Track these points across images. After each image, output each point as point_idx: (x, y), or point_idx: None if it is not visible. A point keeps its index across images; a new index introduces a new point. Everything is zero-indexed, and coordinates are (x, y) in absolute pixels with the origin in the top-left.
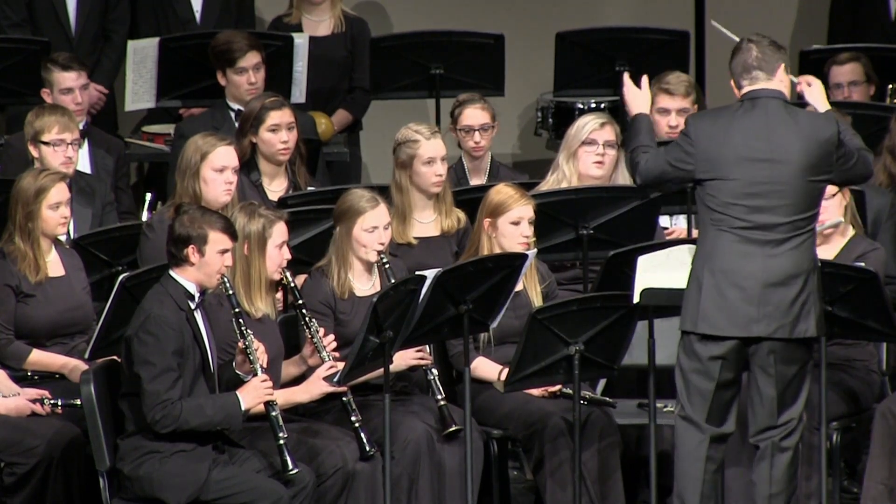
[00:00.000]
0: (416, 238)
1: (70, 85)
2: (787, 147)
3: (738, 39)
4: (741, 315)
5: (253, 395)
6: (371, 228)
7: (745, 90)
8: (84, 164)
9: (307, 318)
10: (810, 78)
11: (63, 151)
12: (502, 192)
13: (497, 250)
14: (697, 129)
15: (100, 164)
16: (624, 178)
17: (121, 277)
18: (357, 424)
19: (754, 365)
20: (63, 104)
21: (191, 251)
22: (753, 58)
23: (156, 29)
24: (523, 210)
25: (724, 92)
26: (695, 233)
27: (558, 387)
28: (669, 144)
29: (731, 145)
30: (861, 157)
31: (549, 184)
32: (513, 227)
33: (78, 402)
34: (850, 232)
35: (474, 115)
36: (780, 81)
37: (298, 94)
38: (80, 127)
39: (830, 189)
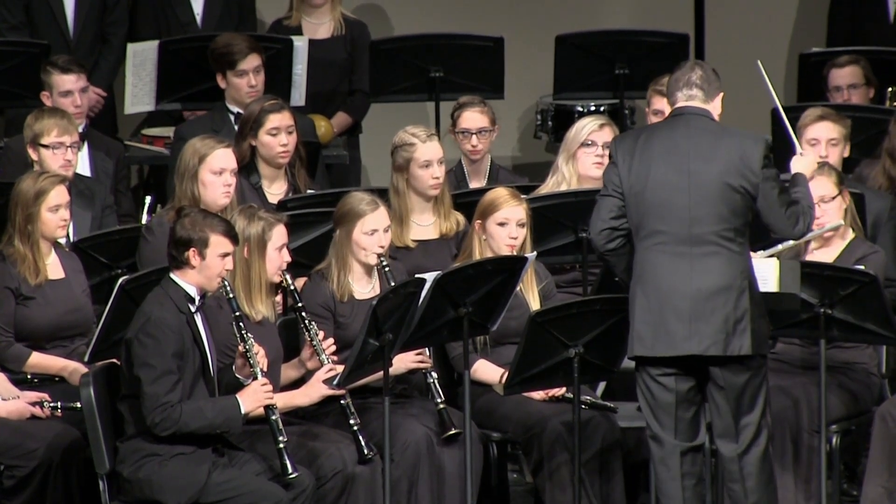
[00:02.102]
0: (414, 241)
1: (69, 87)
2: (707, 157)
3: (773, 93)
4: (672, 333)
5: (253, 398)
6: (371, 231)
7: (677, 105)
8: (83, 166)
9: (307, 321)
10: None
11: (62, 154)
12: (493, 192)
13: (487, 252)
14: (618, 147)
15: (99, 167)
16: None
17: (120, 280)
18: (356, 428)
19: (709, 376)
20: (62, 107)
21: (192, 254)
22: (698, 76)
23: (156, 31)
24: (511, 211)
25: (724, 95)
26: None
27: (561, 391)
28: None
29: (653, 158)
30: (798, 206)
31: (548, 186)
32: (500, 228)
33: (78, 404)
34: (850, 235)
35: (473, 118)
36: (716, 108)
37: (298, 96)
38: (80, 130)
39: (830, 192)
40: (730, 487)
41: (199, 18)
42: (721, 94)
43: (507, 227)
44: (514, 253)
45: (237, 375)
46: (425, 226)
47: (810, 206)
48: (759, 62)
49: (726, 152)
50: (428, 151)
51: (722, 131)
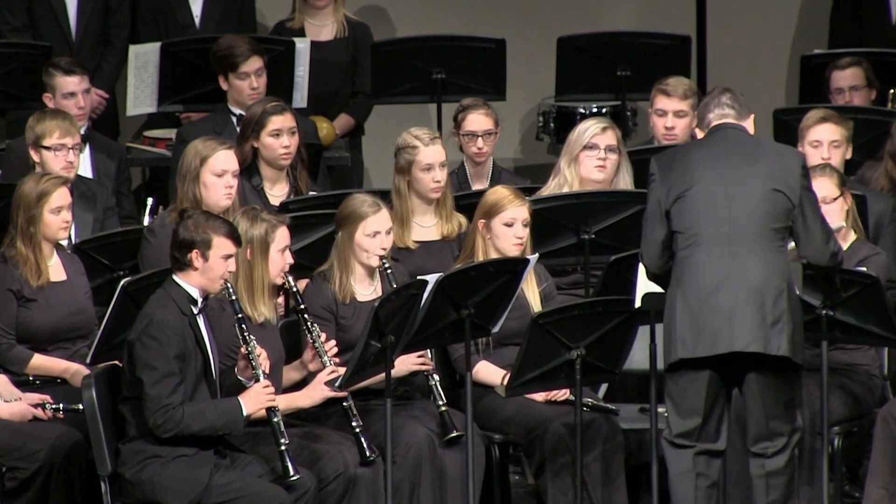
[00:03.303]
0: (416, 242)
1: (73, 89)
2: (749, 161)
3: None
4: (714, 332)
5: (255, 400)
6: (373, 233)
7: (713, 123)
8: (85, 168)
9: (309, 323)
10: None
11: (64, 156)
12: (496, 193)
13: (492, 252)
14: (657, 164)
15: (101, 169)
16: (625, 183)
17: (122, 282)
18: (358, 430)
19: (745, 380)
20: (65, 108)
21: (195, 256)
22: (728, 97)
23: (156, 34)
24: (517, 211)
25: None
26: None
27: (564, 395)
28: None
29: (691, 168)
30: (833, 233)
31: (550, 188)
32: (506, 229)
33: (79, 406)
34: (852, 237)
35: (478, 120)
36: (749, 127)
37: (300, 98)
38: (82, 132)
39: (831, 193)
40: (753, 483)
41: (197, 20)
42: (752, 116)
43: (513, 227)
44: (521, 252)
45: (239, 377)
46: (427, 227)
47: (841, 249)
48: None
49: (766, 160)
50: (430, 155)
51: (761, 142)
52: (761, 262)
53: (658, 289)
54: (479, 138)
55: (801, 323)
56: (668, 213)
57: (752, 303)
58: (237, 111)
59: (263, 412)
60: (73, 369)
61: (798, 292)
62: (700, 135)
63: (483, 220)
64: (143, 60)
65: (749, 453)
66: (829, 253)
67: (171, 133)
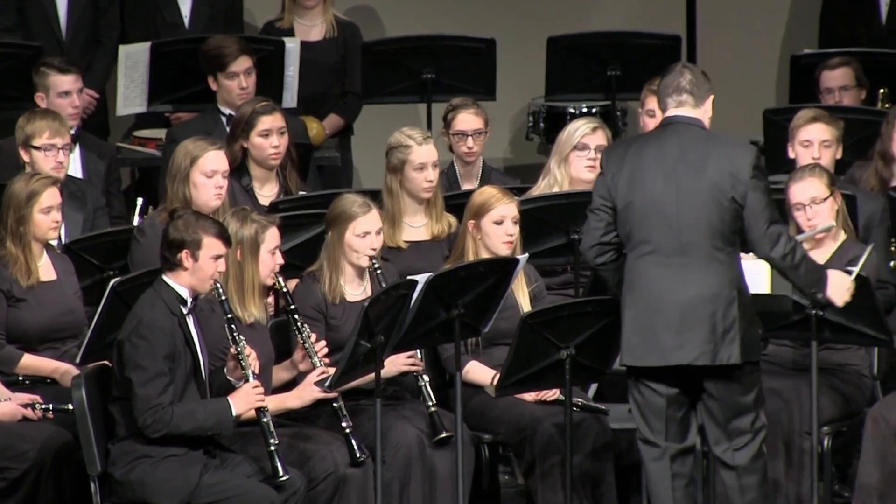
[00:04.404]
0: (406, 242)
1: (68, 88)
2: (698, 168)
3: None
4: (662, 343)
5: (244, 401)
6: (363, 234)
7: (668, 112)
8: (75, 168)
9: (299, 324)
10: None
11: (54, 156)
12: (485, 192)
13: (482, 252)
14: (608, 157)
15: (91, 169)
16: None
17: (112, 282)
18: (348, 430)
19: (700, 384)
20: (59, 108)
21: (184, 256)
22: (687, 81)
23: (145, 34)
24: (506, 209)
25: (716, 97)
26: None
27: (554, 395)
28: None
29: (642, 168)
30: (787, 233)
31: (540, 188)
32: (496, 227)
33: (69, 406)
34: (842, 236)
35: (468, 120)
36: (706, 112)
37: (290, 98)
38: (72, 132)
39: (822, 193)
40: (727, 485)
41: (186, 20)
42: (711, 97)
43: (503, 226)
44: (512, 250)
45: (229, 377)
46: (417, 227)
47: (805, 256)
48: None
49: (716, 162)
50: (423, 154)
51: (712, 140)
52: (711, 271)
53: None
54: (469, 138)
55: (755, 323)
56: (614, 212)
57: (702, 314)
58: (227, 111)
59: (253, 412)
60: (63, 369)
61: (788, 293)
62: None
63: (473, 221)
64: (133, 60)
65: (717, 461)
66: (780, 255)
67: (160, 133)
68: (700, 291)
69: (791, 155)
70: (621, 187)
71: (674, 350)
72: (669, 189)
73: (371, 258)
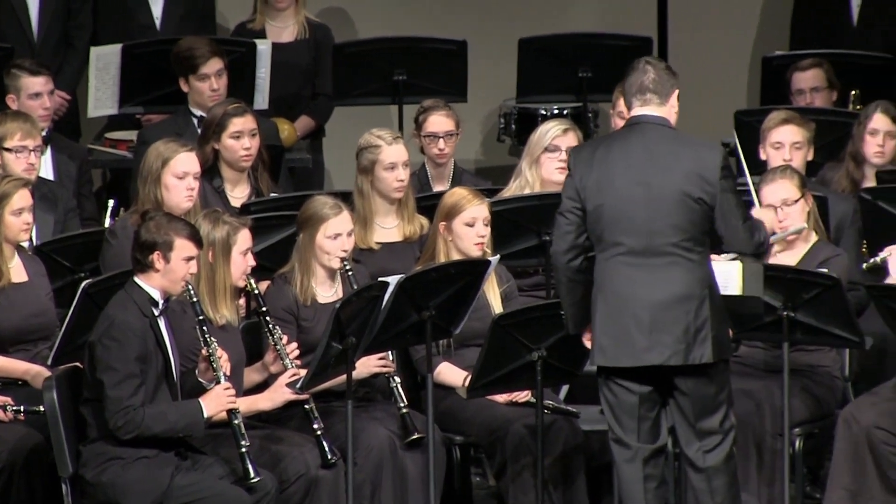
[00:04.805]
0: (378, 243)
1: (38, 90)
2: (666, 168)
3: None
4: (634, 344)
5: (216, 402)
6: (334, 235)
7: (633, 112)
8: (47, 170)
9: (270, 325)
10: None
11: (25, 158)
12: (456, 193)
13: (453, 253)
14: (575, 159)
15: (62, 171)
16: None
17: (83, 284)
18: (319, 432)
19: (671, 383)
20: (30, 109)
21: (156, 257)
22: (651, 80)
23: (116, 35)
24: (477, 210)
25: (685, 99)
26: None
27: (525, 396)
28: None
29: (611, 170)
30: (754, 222)
31: (511, 190)
32: (467, 228)
33: (41, 408)
34: (813, 238)
35: (439, 121)
36: (672, 107)
37: (261, 100)
38: (43, 133)
39: (793, 195)
40: (695, 488)
41: (158, 22)
42: (677, 91)
43: (474, 227)
44: (483, 251)
45: (200, 379)
46: (389, 228)
47: (768, 236)
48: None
49: (684, 163)
50: (393, 154)
51: (679, 140)
52: (682, 271)
53: None
54: (441, 140)
55: (725, 322)
56: (583, 214)
57: (673, 314)
58: (198, 113)
59: (224, 414)
60: (35, 371)
61: (760, 294)
62: (624, 110)
63: (444, 222)
64: (105, 62)
65: (686, 462)
66: (755, 245)
67: (132, 135)
68: (671, 292)
69: (762, 156)
70: (590, 189)
71: (646, 350)
72: (639, 190)
73: (342, 260)
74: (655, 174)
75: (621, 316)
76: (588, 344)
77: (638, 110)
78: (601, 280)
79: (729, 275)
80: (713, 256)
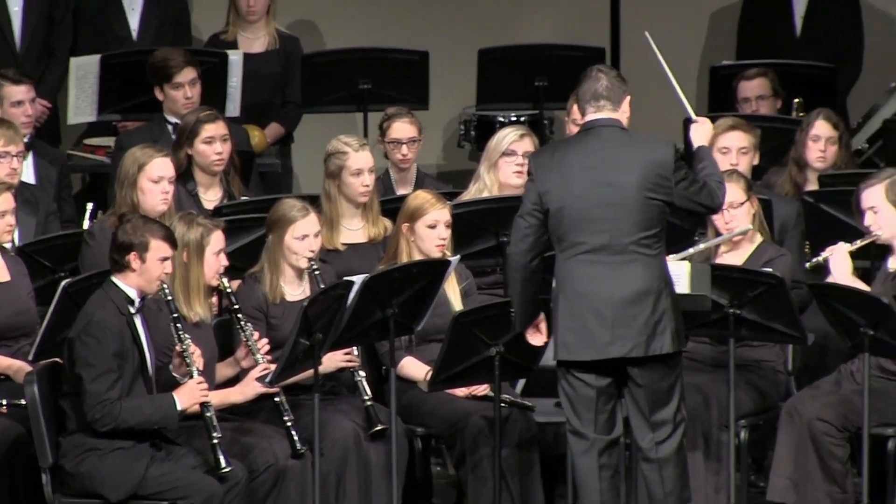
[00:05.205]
0: (344, 244)
1: (21, 98)
2: (624, 169)
3: (661, 59)
4: (596, 338)
5: (189, 396)
6: (302, 236)
7: (588, 117)
8: (28, 175)
9: (242, 322)
10: (702, 119)
11: (8, 163)
12: (419, 197)
13: (415, 254)
14: (536, 163)
15: (43, 176)
16: None
17: (63, 283)
18: (289, 423)
19: (628, 375)
20: (13, 117)
21: (132, 258)
22: (603, 87)
23: (95, 46)
24: (439, 214)
25: (638, 107)
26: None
27: (484, 390)
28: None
29: (571, 173)
30: (708, 187)
31: (471, 193)
32: (430, 231)
33: (22, 401)
34: (759, 239)
35: (402, 128)
36: (624, 113)
37: (233, 108)
38: (25, 140)
39: (739, 198)
40: (646, 477)
41: (135, 34)
42: (628, 98)
43: (436, 229)
44: (444, 252)
45: (174, 374)
46: (355, 230)
47: (720, 182)
48: (646, 34)
49: (640, 161)
50: (359, 160)
51: (633, 140)
52: (640, 267)
53: None
54: (404, 145)
55: (680, 315)
56: (545, 215)
57: (634, 308)
58: (173, 120)
59: (197, 407)
60: (16, 366)
61: (707, 292)
62: (578, 117)
63: (407, 224)
64: (84, 72)
65: (639, 452)
66: (718, 204)
67: (110, 141)
68: (632, 287)
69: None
70: (552, 192)
71: (608, 344)
72: (599, 191)
73: (309, 260)
74: (614, 174)
75: (584, 312)
76: (533, 341)
77: (592, 115)
78: (562, 279)
79: (678, 274)
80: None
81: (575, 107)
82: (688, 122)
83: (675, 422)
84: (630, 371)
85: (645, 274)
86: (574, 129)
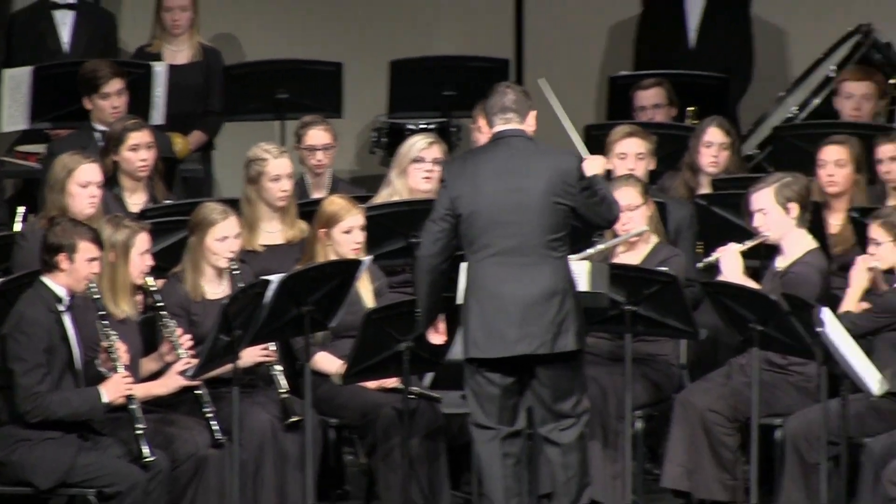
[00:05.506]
0: (262, 246)
1: None
2: (530, 174)
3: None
4: (505, 336)
5: (114, 389)
6: (222, 238)
7: (496, 129)
8: None
9: (165, 319)
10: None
11: None
12: (334, 203)
13: (332, 257)
14: (448, 171)
15: None
16: None
17: None
18: (209, 415)
19: (533, 371)
20: None
21: (62, 258)
22: (511, 101)
23: (28, 58)
24: (354, 220)
25: (541, 113)
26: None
27: (394, 383)
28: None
29: (482, 179)
30: (607, 201)
31: (382, 197)
32: (345, 236)
33: None
34: (654, 240)
35: (317, 135)
36: (529, 126)
37: (157, 116)
38: None
39: (636, 201)
40: (551, 461)
41: (66, 46)
42: (533, 112)
43: (352, 234)
44: (359, 253)
45: (101, 368)
46: (273, 232)
47: (615, 202)
48: (541, 80)
49: (548, 169)
50: (278, 166)
51: (540, 150)
52: (547, 269)
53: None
54: (319, 152)
55: (582, 315)
56: (457, 221)
57: (541, 308)
58: (100, 128)
59: (123, 399)
60: None
61: (605, 290)
62: (486, 129)
63: (324, 230)
64: (17, 82)
65: (543, 441)
66: (613, 218)
67: (41, 148)
68: (539, 288)
69: (608, 166)
70: (464, 198)
71: (516, 342)
72: (510, 196)
73: (229, 260)
74: (523, 180)
75: (494, 311)
76: (432, 340)
77: (500, 127)
78: (473, 280)
79: (578, 273)
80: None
81: (481, 115)
82: (580, 159)
83: (578, 413)
84: (536, 367)
85: (551, 276)
86: (479, 136)
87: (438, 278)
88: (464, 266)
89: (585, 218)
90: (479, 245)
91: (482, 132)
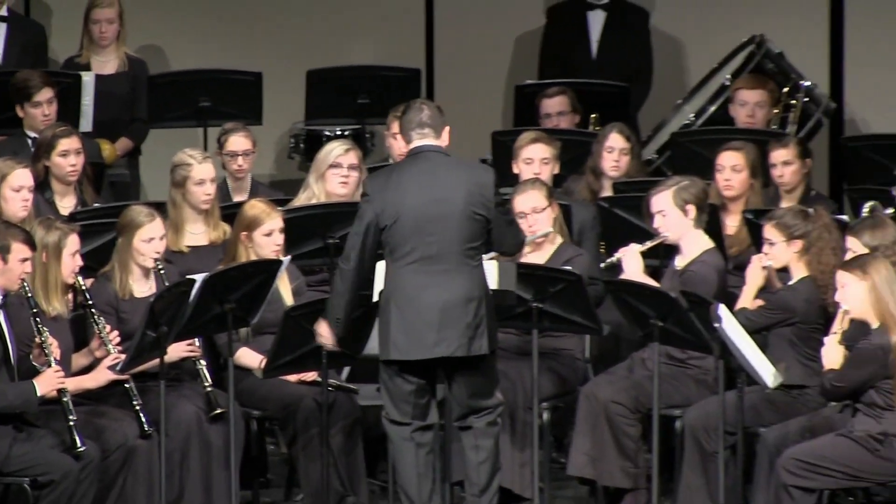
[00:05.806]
0: (187, 247)
1: None
2: (450, 186)
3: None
4: (424, 340)
5: (47, 382)
6: (148, 239)
7: (413, 143)
8: None
9: (95, 317)
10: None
11: None
12: (255, 207)
13: (253, 257)
14: (372, 185)
15: None
16: None
17: None
18: (138, 407)
19: (449, 372)
20: None
21: None
22: (427, 116)
23: None
24: (274, 223)
25: (450, 120)
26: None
27: (313, 376)
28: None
29: (405, 192)
30: (516, 227)
31: (300, 200)
32: (266, 238)
33: None
34: (559, 240)
35: (238, 141)
36: (444, 141)
37: (86, 123)
38: None
39: (541, 203)
40: (464, 445)
41: None
42: (447, 128)
43: (272, 237)
44: (278, 255)
45: (34, 363)
46: (197, 234)
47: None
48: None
49: (467, 181)
50: (202, 171)
51: (458, 164)
52: (464, 276)
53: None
54: (240, 157)
55: (495, 319)
56: (380, 231)
57: (457, 313)
58: (32, 135)
59: (55, 392)
60: None
61: (513, 288)
62: (403, 145)
63: (245, 233)
64: None
65: (458, 427)
66: (518, 244)
67: None
68: (456, 294)
69: (515, 170)
70: (388, 209)
71: (435, 345)
72: (430, 207)
73: (155, 260)
74: (443, 191)
75: (414, 316)
76: (323, 342)
77: (418, 142)
78: (394, 286)
79: (487, 272)
80: None
81: (394, 122)
82: (495, 173)
83: (491, 405)
84: (452, 368)
85: (467, 282)
86: (392, 142)
87: (362, 286)
88: (381, 265)
89: (493, 235)
90: (400, 252)
91: (396, 139)
